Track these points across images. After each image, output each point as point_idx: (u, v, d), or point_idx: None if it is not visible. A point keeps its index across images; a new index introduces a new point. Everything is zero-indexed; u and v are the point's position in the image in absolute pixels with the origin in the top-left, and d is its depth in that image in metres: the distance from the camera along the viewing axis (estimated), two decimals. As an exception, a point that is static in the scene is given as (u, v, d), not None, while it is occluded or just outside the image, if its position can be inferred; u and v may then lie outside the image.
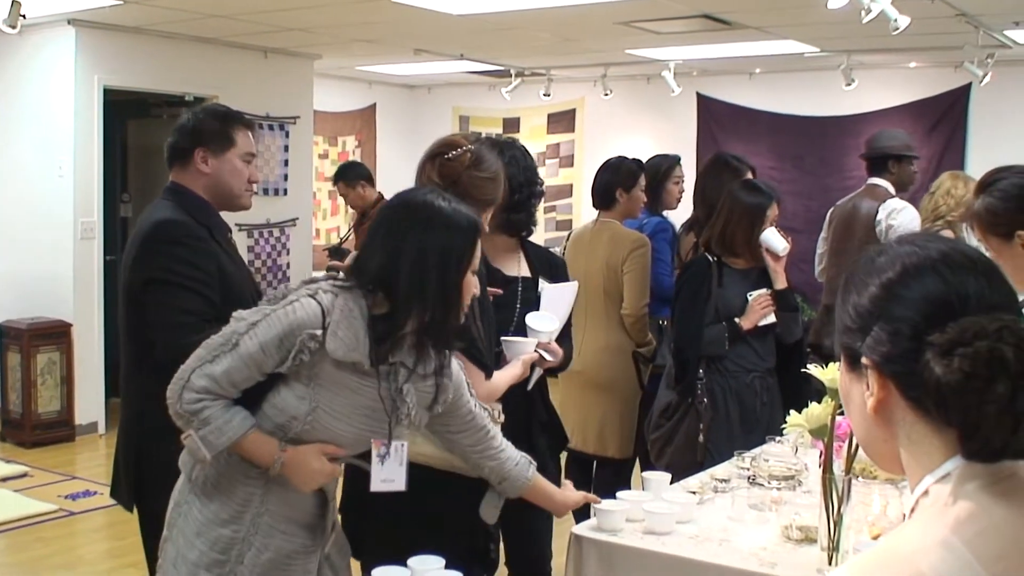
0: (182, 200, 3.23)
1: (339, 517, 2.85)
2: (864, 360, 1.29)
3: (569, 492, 3.01)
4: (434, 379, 2.61)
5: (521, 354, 3.27)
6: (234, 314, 2.51)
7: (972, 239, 3.52)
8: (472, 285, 2.57)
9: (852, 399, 1.35)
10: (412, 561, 2.55)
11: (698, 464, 4.33)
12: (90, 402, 7.86)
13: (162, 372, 2.98)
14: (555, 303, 3.52)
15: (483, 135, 3.58)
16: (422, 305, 2.47)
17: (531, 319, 3.41)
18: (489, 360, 3.10)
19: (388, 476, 2.57)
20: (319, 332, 2.42)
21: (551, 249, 4.16)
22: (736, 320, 4.35)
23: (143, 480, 3.15)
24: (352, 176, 7.79)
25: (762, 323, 4.36)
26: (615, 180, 5.25)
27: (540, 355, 3.35)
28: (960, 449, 1.24)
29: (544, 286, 3.57)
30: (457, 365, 2.70)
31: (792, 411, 2.91)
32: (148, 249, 3.11)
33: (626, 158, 5.42)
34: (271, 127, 9.25)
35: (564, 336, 3.54)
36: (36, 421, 7.76)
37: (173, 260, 3.05)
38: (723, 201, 4.48)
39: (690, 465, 4.39)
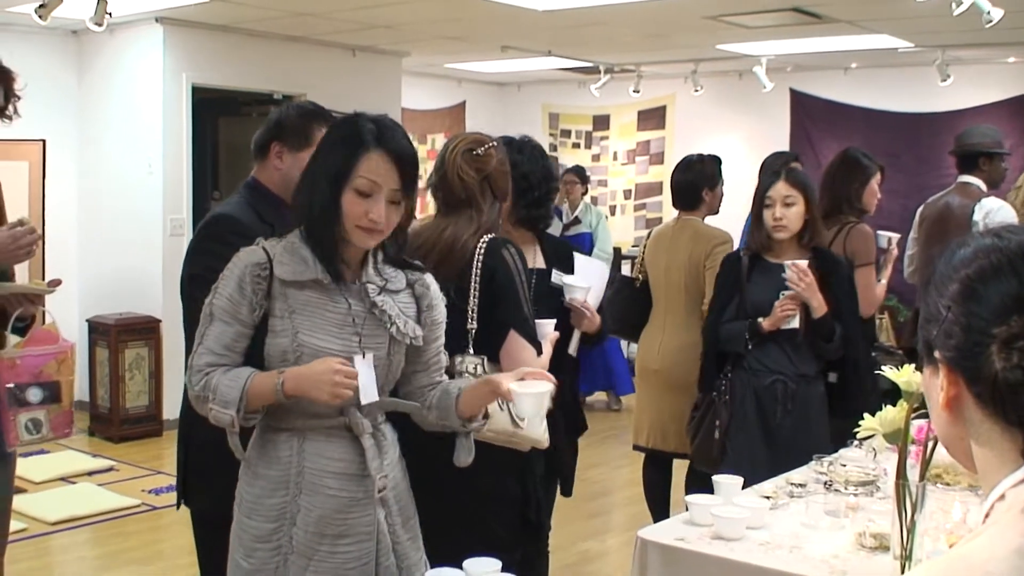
0: (253, 196, 3.17)
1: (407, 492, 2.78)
2: (936, 353, 1.25)
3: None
4: (410, 291, 2.68)
5: (545, 335, 3.36)
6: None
7: None
8: (357, 206, 2.51)
9: (930, 394, 1.30)
10: (468, 564, 2.49)
11: (717, 462, 4.33)
12: (178, 397, 7.88)
13: None
14: (586, 271, 3.76)
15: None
16: (301, 220, 2.58)
17: (566, 278, 3.68)
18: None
19: (366, 383, 2.57)
20: (264, 261, 2.54)
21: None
22: (760, 320, 4.19)
23: (189, 479, 3.18)
24: None
25: (785, 327, 4.16)
26: (700, 180, 5.17)
27: (581, 311, 3.57)
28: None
29: (576, 256, 3.80)
30: (436, 288, 2.72)
31: (866, 415, 2.81)
32: (195, 245, 3.10)
33: (704, 156, 5.33)
34: (359, 125, 9.27)
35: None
36: (124, 416, 7.91)
37: (216, 258, 2.87)
38: None
39: (710, 461, 4.39)
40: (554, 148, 11.85)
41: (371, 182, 2.50)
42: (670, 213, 10.99)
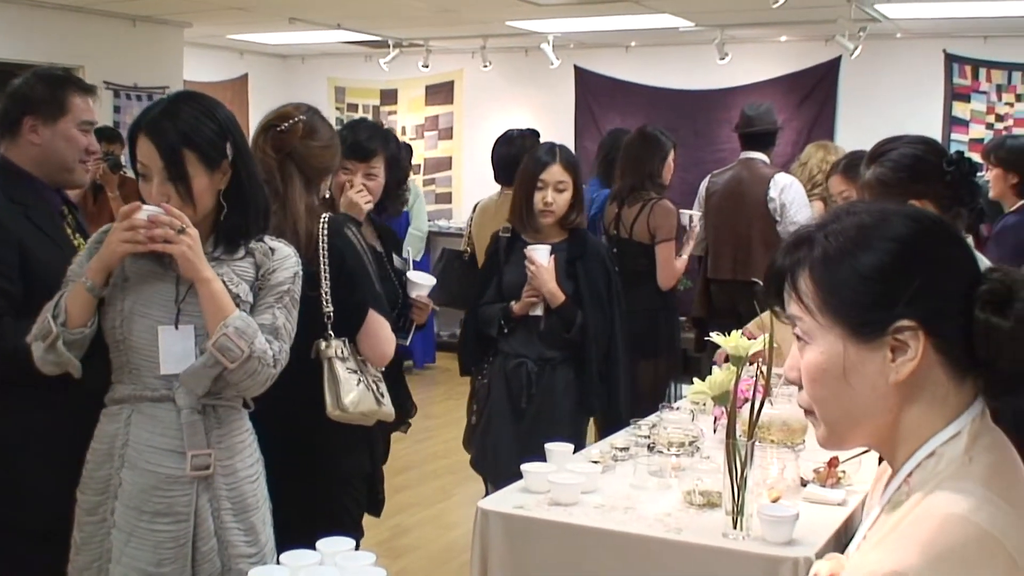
0: (3, 177, 2.98)
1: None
2: (904, 323, 1.30)
3: None
4: (251, 259, 2.68)
5: (421, 289, 3.67)
6: None
7: None
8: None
9: (859, 373, 1.34)
10: (321, 544, 2.48)
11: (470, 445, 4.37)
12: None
13: None
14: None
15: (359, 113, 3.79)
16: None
17: (411, 274, 3.80)
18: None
19: (170, 354, 2.58)
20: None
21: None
22: (513, 303, 4.15)
23: None
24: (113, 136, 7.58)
25: (532, 312, 4.13)
26: (523, 155, 5.21)
27: (425, 306, 3.74)
28: (985, 391, 1.32)
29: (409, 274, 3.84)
30: (284, 261, 2.71)
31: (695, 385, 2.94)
32: None
33: (524, 130, 5.42)
34: (139, 97, 8.98)
35: None
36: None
37: None
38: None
39: (467, 444, 4.45)
40: (341, 122, 11.70)
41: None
42: (461, 188, 11.18)
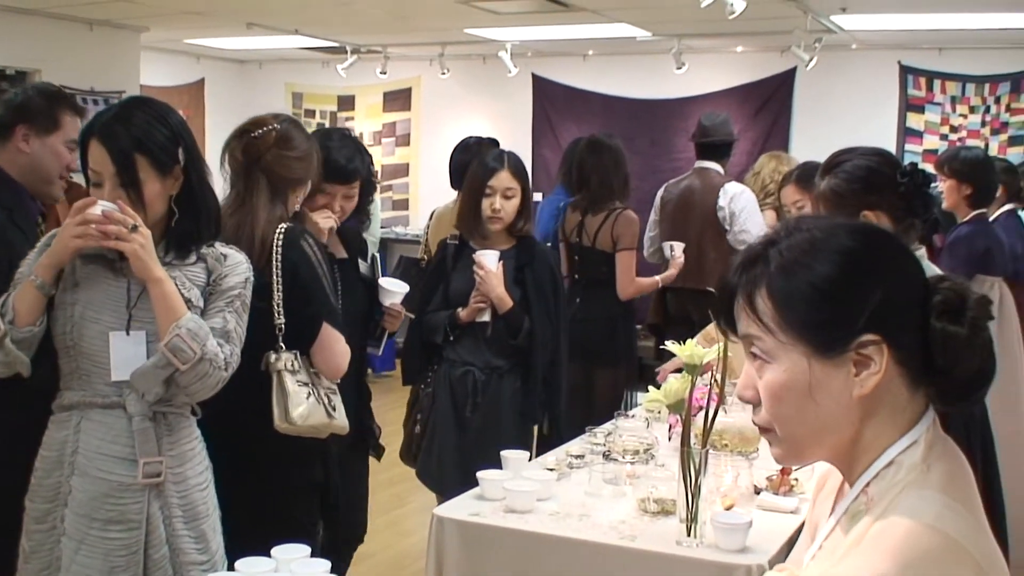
0: None
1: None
2: (868, 337, 1.31)
3: None
4: (203, 264, 2.69)
5: (394, 296, 3.67)
6: None
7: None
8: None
9: (825, 389, 1.34)
10: (277, 551, 2.46)
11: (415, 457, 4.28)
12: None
13: None
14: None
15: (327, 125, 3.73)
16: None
17: (383, 282, 3.77)
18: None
19: (121, 360, 2.57)
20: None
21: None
22: (460, 310, 4.10)
23: None
24: None
25: (480, 319, 4.08)
26: None
27: (397, 314, 3.75)
28: (939, 399, 1.36)
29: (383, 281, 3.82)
30: (236, 267, 2.72)
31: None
32: None
33: (483, 138, 5.42)
34: (95, 102, 8.88)
35: None
36: None
37: None
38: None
39: (409, 456, 4.36)
40: (299, 128, 11.66)
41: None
42: (418, 195, 11.17)
